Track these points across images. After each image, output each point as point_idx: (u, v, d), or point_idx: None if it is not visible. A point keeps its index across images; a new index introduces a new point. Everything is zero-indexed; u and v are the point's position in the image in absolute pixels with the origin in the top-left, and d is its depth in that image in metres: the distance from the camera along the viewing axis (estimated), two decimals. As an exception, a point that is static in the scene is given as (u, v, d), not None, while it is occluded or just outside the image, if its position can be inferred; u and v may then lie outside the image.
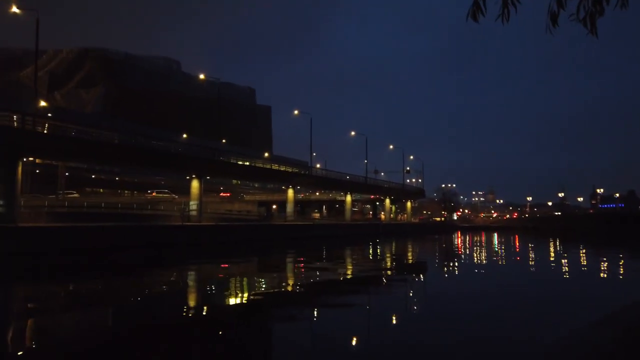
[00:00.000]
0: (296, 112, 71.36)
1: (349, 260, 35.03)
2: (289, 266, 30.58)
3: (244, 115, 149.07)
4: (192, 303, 16.76)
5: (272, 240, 51.88)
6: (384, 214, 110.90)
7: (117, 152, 38.56)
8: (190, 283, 22.08)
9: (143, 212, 54.05)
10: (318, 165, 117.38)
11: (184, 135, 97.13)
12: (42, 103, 70.08)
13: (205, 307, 15.67)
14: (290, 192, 69.31)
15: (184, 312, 14.81)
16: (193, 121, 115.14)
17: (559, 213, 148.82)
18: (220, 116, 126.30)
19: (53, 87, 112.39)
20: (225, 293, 18.71)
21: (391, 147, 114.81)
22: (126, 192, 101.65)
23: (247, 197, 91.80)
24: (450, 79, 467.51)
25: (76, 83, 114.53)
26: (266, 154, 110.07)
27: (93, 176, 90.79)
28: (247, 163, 61.80)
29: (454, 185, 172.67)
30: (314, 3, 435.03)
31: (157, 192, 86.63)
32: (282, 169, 65.89)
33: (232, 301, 17.02)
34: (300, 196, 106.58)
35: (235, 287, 20.70)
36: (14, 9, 34.63)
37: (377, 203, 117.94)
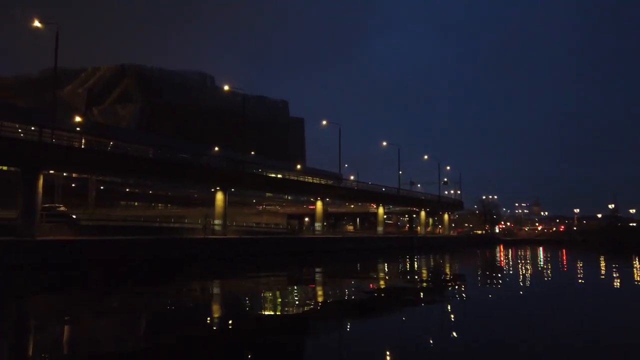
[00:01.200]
0: (324, 122, 69.77)
1: (371, 276, 32.50)
2: (304, 281, 28.67)
3: (277, 128, 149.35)
4: (205, 318, 15.74)
5: (297, 253, 49.93)
6: (420, 227, 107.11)
7: (131, 163, 37.98)
8: (194, 298, 20.52)
9: (167, 225, 53.43)
10: (352, 177, 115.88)
11: (216, 149, 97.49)
12: (77, 119, 72.07)
13: (225, 320, 15.39)
14: (319, 204, 67.36)
15: (205, 329, 13.87)
16: (226, 134, 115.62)
17: (610, 225, 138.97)
18: (250, 129, 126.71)
19: (91, 104, 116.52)
20: (238, 308, 17.66)
21: (426, 157, 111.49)
22: (160, 205, 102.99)
23: (278, 210, 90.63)
24: (489, 88, 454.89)
25: (113, 100, 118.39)
26: (298, 166, 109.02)
27: (127, 190, 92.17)
28: (278, 175, 60.70)
29: (496, 197, 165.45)
30: (348, 17, 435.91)
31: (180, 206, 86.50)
32: (310, 180, 64.12)
33: (250, 317, 15.90)
34: (332, 209, 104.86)
35: (245, 304, 19.03)
36: (36, 23, 34.70)
37: (415, 216, 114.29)
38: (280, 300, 20.01)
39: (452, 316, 16.32)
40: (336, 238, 62.90)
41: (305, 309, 17.58)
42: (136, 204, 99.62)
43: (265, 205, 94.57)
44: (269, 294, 22.46)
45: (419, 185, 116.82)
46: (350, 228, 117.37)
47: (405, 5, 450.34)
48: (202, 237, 43.50)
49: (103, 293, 22.15)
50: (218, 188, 50.73)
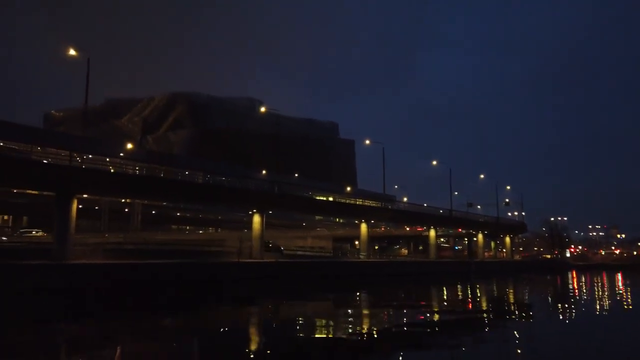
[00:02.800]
0: (367, 141, 67.34)
1: (407, 304, 29.19)
2: (332, 309, 26.09)
3: (326, 150, 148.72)
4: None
5: (337, 278, 47.28)
6: (479, 251, 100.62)
7: (159, 186, 37.60)
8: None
9: (207, 248, 52.85)
10: (405, 199, 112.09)
11: (263, 172, 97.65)
12: (129, 145, 74.86)
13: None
14: (363, 227, 64.49)
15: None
16: (273, 158, 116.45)
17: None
18: (299, 151, 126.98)
19: (146, 132, 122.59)
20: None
21: (481, 176, 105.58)
22: (210, 228, 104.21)
23: (324, 233, 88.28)
24: (554, 103, 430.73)
25: (166, 127, 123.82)
26: (348, 188, 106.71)
27: (178, 214, 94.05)
28: (319, 197, 58.96)
29: (565, 219, 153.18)
30: (405, 36, 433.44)
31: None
32: (352, 202, 61.56)
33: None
34: (384, 232, 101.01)
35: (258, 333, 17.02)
36: (71, 52, 35.64)
37: (475, 239, 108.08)
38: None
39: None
40: (380, 262, 59.54)
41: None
42: (187, 227, 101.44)
43: (311, 228, 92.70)
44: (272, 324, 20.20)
45: (478, 207, 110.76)
46: (405, 252, 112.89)
47: (457, 23, 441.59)
48: (233, 261, 42.13)
49: (116, 319, 21.13)
50: (255, 210, 49.55)
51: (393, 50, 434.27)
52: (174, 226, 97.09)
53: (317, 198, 56.05)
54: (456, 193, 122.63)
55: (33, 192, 46.41)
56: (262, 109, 67.95)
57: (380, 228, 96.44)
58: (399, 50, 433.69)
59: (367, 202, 68.27)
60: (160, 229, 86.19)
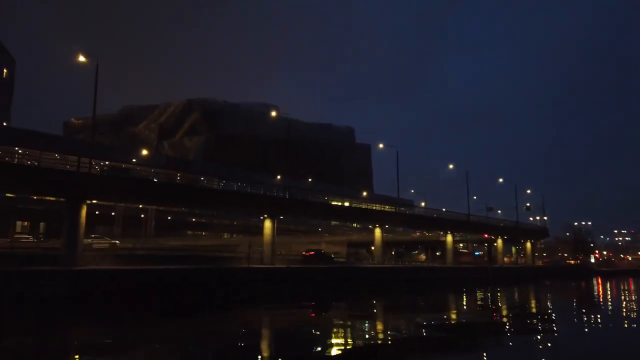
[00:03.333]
0: (381, 145, 66.41)
1: (418, 310, 28.18)
2: (340, 315, 25.37)
3: (341, 154, 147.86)
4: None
5: (349, 284, 46.37)
6: (498, 256, 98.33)
7: (164, 190, 37.45)
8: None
9: (219, 254, 52.54)
10: (422, 204, 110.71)
11: (278, 177, 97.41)
12: (144, 152, 75.51)
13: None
14: (378, 231, 63.41)
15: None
16: (291, 163, 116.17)
17: None
18: (314, 156, 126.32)
19: (162, 138, 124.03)
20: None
21: (500, 180, 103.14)
22: (226, 234, 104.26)
23: (338, 238, 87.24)
24: (576, 106, 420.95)
25: (182, 133, 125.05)
26: (364, 193, 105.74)
27: (193, 219, 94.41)
28: (331, 202, 58.35)
29: (589, 223, 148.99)
30: (423, 40, 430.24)
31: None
32: (364, 207, 60.66)
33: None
34: (402, 236, 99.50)
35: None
36: (80, 58, 35.89)
37: (495, 244, 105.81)
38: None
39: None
40: (395, 268, 58.31)
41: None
42: (203, 233, 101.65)
43: (326, 234, 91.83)
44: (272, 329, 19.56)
45: (499, 212, 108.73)
46: (423, 257, 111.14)
47: (480, 28, 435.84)
48: (241, 267, 41.68)
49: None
50: (266, 216, 49.11)
51: (411, 55, 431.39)
52: (189, 232, 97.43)
53: (330, 203, 55.32)
54: (475, 197, 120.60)
55: (50, 198, 47.05)
56: (273, 114, 67.59)
57: (397, 233, 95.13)
58: (418, 55, 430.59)
59: (381, 207, 67.25)
60: (176, 235, 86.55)
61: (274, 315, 25.67)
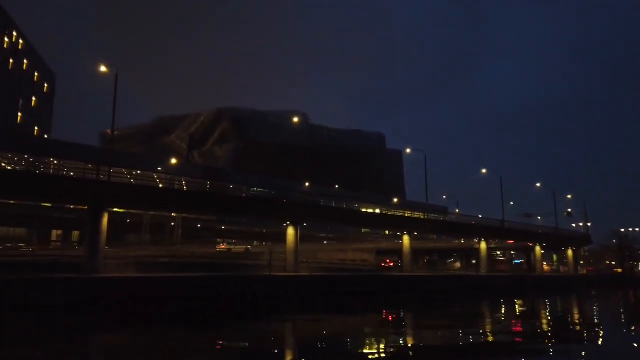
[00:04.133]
0: (408, 150, 64.67)
1: (439, 326, 26.46)
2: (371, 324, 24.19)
3: (372, 161, 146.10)
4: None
5: (375, 293, 44.93)
6: (537, 264, 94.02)
7: (191, 199, 37.32)
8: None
9: (243, 262, 52.25)
10: (457, 210, 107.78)
11: (306, 184, 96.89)
12: (173, 161, 76.62)
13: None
14: (406, 239, 61.55)
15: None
16: (317, 170, 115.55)
17: None
18: (343, 163, 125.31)
19: (192, 147, 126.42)
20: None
21: (538, 185, 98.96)
22: (256, 242, 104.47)
23: (366, 246, 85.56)
24: (616, 110, 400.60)
25: (212, 142, 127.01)
26: (395, 200, 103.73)
27: (223, 227, 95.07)
28: (371, 210, 57.48)
29: (637, 230, 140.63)
30: (456, 47, 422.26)
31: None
32: (392, 213, 59.04)
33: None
34: (435, 244, 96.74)
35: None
36: (102, 68, 36.47)
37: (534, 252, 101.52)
38: None
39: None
40: (423, 276, 56.25)
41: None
42: (234, 241, 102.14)
43: (355, 241, 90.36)
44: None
45: (538, 218, 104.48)
46: (458, 265, 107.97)
47: (518, 31, 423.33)
48: (263, 275, 41.02)
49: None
50: (288, 223, 48.43)
51: (446, 61, 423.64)
52: (219, 239, 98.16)
53: (354, 209, 54.08)
54: (512, 203, 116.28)
55: (82, 207, 48.19)
56: (295, 119, 66.99)
57: (430, 241, 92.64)
58: (453, 60, 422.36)
59: (411, 213, 65.38)
60: (208, 243, 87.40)
61: (295, 326, 24.87)
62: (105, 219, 35.93)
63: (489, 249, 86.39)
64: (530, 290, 64.75)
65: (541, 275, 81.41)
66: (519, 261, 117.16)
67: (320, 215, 51.12)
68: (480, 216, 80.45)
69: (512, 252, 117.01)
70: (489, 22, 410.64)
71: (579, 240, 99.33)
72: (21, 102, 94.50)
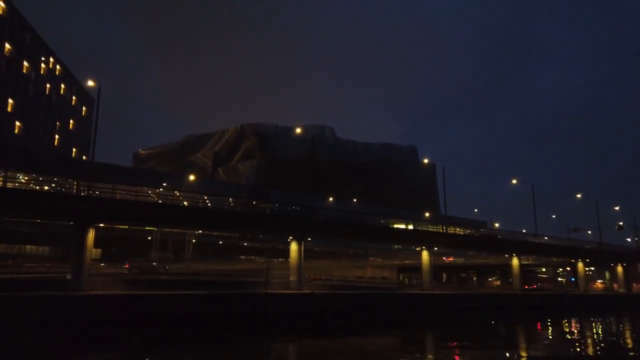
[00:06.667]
0: (425, 160, 61.14)
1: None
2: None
3: (402, 174, 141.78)
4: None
5: (392, 313, 41.96)
6: (580, 282, 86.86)
7: (189, 215, 36.17)
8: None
9: (252, 279, 50.37)
10: (496, 225, 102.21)
11: (330, 199, 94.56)
12: (191, 177, 76.70)
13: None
14: (425, 254, 57.64)
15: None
16: (345, 185, 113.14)
17: None
18: (372, 177, 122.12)
19: (217, 164, 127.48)
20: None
21: (578, 196, 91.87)
22: (278, 259, 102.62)
23: (385, 262, 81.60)
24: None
25: (237, 159, 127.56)
26: (427, 214, 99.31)
27: (245, 244, 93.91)
28: (403, 225, 54.82)
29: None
30: (502, 51, 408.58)
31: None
32: (406, 227, 55.65)
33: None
34: (467, 260, 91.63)
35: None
36: (89, 83, 36.23)
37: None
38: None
39: None
40: (443, 295, 52.11)
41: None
42: (254, 258, 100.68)
43: (381, 256, 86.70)
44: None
45: (588, 232, 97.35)
46: (497, 283, 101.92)
47: (567, 36, 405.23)
48: (259, 292, 38.86)
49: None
50: (291, 238, 46.24)
51: (490, 67, 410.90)
52: (242, 256, 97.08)
53: (362, 223, 51.15)
54: (554, 216, 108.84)
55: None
56: (298, 131, 65.05)
57: (466, 257, 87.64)
58: (497, 67, 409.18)
59: (433, 227, 61.63)
60: (232, 260, 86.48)
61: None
62: (90, 235, 35.10)
63: (524, 265, 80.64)
64: (569, 309, 59.44)
65: (584, 294, 74.54)
66: (573, 279, 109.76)
67: (326, 230, 48.59)
68: (523, 230, 75.48)
69: (560, 269, 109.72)
70: (537, 28, 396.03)
71: (629, 256, 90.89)
72: (58, 125, 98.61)
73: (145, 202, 36.17)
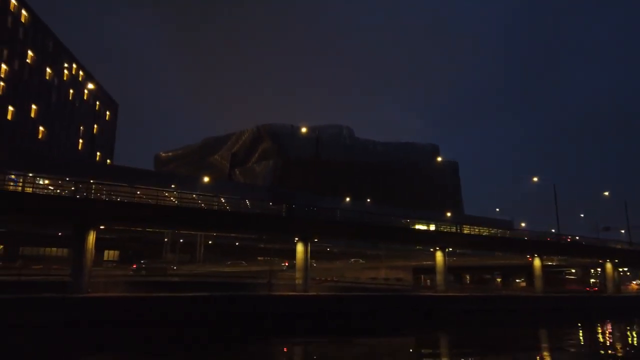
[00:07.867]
0: (439, 158, 59.40)
1: None
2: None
3: (423, 173, 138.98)
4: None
5: (394, 314, 40.80)
6: (635, 284, 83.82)
7: (186, 216, 36.03)
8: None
9: (261, 281, 49.96)
10: (523, 224, 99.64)
11: (347, 199, 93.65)
12: (205, 179, 77.11)
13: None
14: (439, 254, 55.94)
15: None
16: (364, 185, 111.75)
17: None
18: (392, 177, 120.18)
19: (234, 165, 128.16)
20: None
21: (606, 194, 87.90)
22: (293, 260, 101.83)
23: (400, 262, 79.75)
24: None
25: (254, 160, 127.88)
26: (448, 214, 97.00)
27: (262, 245, 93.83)
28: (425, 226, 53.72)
29: None
30: (530, 50, 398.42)
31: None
32: (416, 227, 54.12)
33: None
34: (487, 261, 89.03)
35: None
36: (89, 85, 36.37)
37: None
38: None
39: None
40: (453, 297, 50.38)
41: None
42: (270, 259, 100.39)
43: (385, 258, 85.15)
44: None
45: (622, 232, 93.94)
46: (523, 284, 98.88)
47: (591, 35, 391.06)
48: (259, 295, 38.35)
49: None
50: (297, 239, 45.52)
51: (513, 66, 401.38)
52: (260, 258, 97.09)
53: (368, 222, 50.00)
54: (582, 215, 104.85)
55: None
56: (303, 130, 64.17)
57: (489, 258, 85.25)
58: (527, 67, 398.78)
59: (446, 228, 59.73)
60: (248, 261, 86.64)
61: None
62: (91, 237, 35.24)
63: (550, 266, 77.62)
64: (595, 313, 56.79)
65: (611, 296, 71.01)
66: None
67: (333, 230, 47.68)
68: (552, 230, 73.09)
69: (592, 270, 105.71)
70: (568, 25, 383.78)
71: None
72: (82, 129, 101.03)
73: (142, 203, 36.17)
